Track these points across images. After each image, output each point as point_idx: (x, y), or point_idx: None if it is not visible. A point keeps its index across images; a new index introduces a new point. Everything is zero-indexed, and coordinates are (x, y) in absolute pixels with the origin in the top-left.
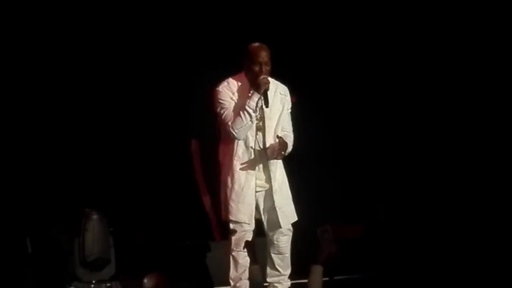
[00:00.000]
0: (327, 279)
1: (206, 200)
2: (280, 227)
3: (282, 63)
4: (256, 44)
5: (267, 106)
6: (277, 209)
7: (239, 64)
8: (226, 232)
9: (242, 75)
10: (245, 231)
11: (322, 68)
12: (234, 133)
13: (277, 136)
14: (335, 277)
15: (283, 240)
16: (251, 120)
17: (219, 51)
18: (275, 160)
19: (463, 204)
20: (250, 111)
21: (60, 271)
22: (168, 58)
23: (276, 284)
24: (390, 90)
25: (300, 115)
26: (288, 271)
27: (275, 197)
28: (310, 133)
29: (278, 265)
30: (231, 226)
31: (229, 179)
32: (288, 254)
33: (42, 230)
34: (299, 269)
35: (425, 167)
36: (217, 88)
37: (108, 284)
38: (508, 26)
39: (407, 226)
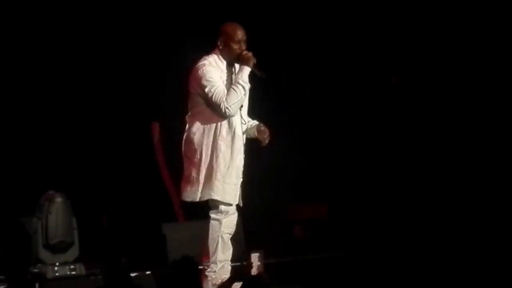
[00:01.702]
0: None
1: (168, 182)
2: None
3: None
4: (232, 23)
5: (265, 75)
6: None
7: (202, 46)
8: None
9: (216, 54)
10: (234, 212)
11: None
12: (229, 109)
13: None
14: (299, 257)
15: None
16: (244, 94)
17: (183, 33)
18: (246, 141)
19: (422, 180)
20: (244, 84)
21: (24, 254)
22: (129, 41)
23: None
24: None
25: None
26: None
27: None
28: (272, 109)
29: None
30: (221, 208)
31: (213, 159)
32: None
33: (5, 213)
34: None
35: (385, 143)
36: (202, 67)
37: (72, 266)
38: (508, 26)
39: (371, 205)
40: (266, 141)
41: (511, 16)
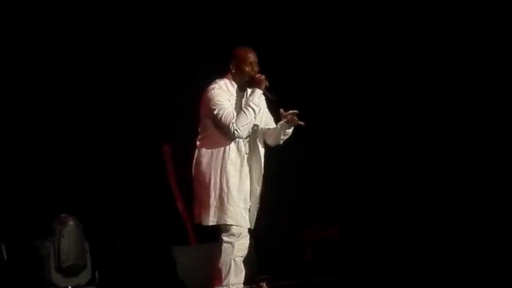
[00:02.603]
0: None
1: (181, 205)
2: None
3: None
4: (243, 47)
5: (275, 98)
6: (256, 211)
7: (216, 68)
8: (203, 236)
9: (228, 79)
10: (246, 235)
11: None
12: (238, 131)
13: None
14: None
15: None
16: (254, 117)
17: (196, 56)
18: (262, 163)
19: (441, 204)
20: (254, 106)
21: (36, 277)
22: (142, 62)
23: None
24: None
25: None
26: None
27: (257, 200)
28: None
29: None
30: (233, 230)
31: (223, 183)
32: None
33: (18, 236)
34: None
35: (399, 167)
36: (211, 91)
37: None
38: (508, 26)
39: (383, 226)
40: (296, 119)
41: (510, 17)
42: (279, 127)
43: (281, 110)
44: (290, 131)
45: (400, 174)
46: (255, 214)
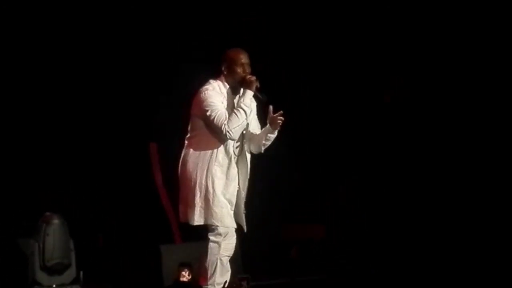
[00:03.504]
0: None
1: (166, 204)
2: (244, 231)
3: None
4: (234, 48)
5: (266, 99)
6: (243, 213)
7: (205, 68)
8: (188, 235)
9: (221, 80)
10: (232, 235)
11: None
12: (230, 133)
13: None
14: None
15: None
16: (246, 118)
17: (196, 56)
18: (249, 167)
19: (435, 203)
20: (246, 108)
21: (20, 276)
22: (130, 60)
23: None
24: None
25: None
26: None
27: (242, 202)
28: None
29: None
30: (220, 230)
31: (209, 184)
32: None
33: (2, 235)
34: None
35: (390, 167)
36: (205, 91)
37: None
38: (508, 26)
39: (371, 225)
40: (275, 126)
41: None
42: (262, 131)
43: (271, 107)
44: (272, 136)
45: (391, 173)
46: (244, 216)
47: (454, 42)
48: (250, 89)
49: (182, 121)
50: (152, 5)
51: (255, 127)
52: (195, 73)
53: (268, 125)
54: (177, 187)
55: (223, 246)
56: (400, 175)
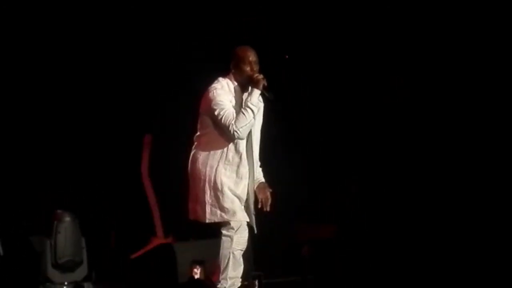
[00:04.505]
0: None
1: (151, 196)
2: (254, 231)
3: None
4: (243, 46)
5: (273, 98)
6: (253, 214)
7: (216, 68)
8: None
9: (229, 78)
10: (245, 228)
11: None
12: (238, 132)
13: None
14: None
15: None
16: (254, 117)
17: (196, 56)
18: (257, 165)
19: (442, 204)
20: (253, 107)
21: (32, 273)
22: (128, 54)
23: None
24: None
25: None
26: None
27: (252, 203)
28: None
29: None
30: (232, 224)
31: (218, 183)
32: None
33: (14, 232)
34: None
35: (399, 166)
36: (213, 90)
37: (81, 285)
38: (508, 26)
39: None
40: (268, 205)
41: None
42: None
43: (263, 184)
44: None
45: (400, 173)
46: (254, 217)
47: (454, 42)
48: (257, 88)
49: (181, 116)
50: (152, 3)
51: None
52: (197, 71)
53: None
54: (187, 185)
55: (236, 240)
56: (415, 174)
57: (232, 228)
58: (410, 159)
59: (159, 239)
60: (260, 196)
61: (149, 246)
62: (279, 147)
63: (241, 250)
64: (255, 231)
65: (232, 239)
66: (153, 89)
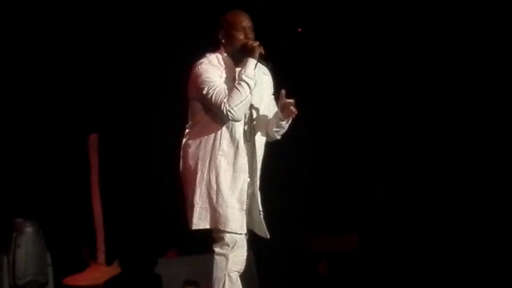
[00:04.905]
0: None
1: (97, 207)
2: (266, 236)
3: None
4: (234, 11)
5: (272, 66)
6: (261, 215)
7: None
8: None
9: (219, 52)
10: (242, 244)
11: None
12: (231, 111)
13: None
14: None
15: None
16: (250, 92)
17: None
18: (260, 158)
19: (471, 213)
20: (248, 80)
21: None
22: (75, 49)
23: None
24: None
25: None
26: None
27: (259, 200)
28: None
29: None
30: (226, 239)
31: (212, 179)
32: None
33: None
34: None
35: (425, 173)
36: (199, 65)
37: None
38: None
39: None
40: (293, 112)
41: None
42: (274, 115)
43: (283, 91)
44: (284, 124)
45: (428, 179)
46: (262, 219)
47: (454, 42)
48: (253, 57)
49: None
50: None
51: (271, 109)
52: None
53: (278, 110)
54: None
55: (231, 259)
56: (447, 179)
57: (227, 245)
58: (441, 165)
59: (98, 266)
60: (286, 111)
61: (81, 277)
62: (287, 145)
63: (238, 272)
64: (267, 237)
65: (227, 258)
66: (94, 81)
